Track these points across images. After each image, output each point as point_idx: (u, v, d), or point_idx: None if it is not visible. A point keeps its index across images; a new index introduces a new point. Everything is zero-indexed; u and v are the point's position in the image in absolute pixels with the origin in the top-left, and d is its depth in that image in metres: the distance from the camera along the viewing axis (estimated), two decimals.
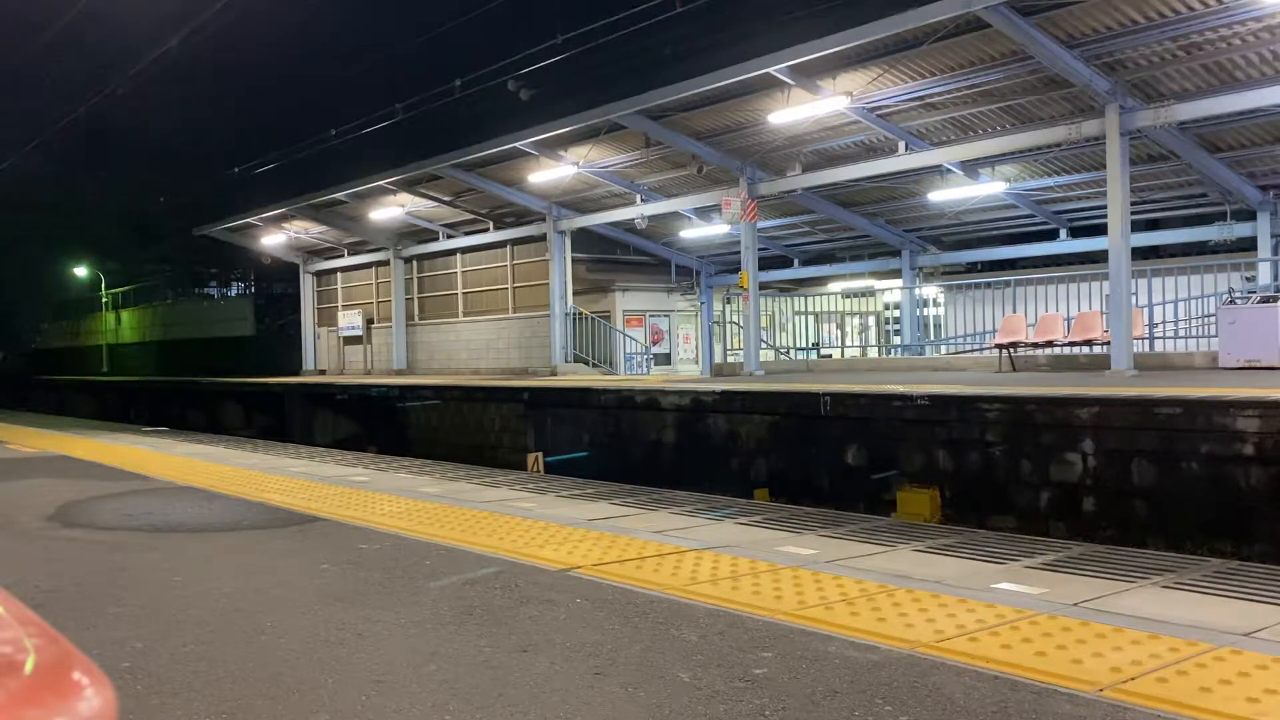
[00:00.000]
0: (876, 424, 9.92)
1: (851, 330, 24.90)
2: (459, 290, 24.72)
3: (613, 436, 13.08)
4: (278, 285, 40.44)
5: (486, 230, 23.55)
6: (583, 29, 17.96)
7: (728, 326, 20.80)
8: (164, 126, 36.79)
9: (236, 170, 29.18)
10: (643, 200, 20.04)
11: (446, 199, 22.83)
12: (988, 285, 19.89)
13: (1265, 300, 13.05)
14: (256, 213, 26.11)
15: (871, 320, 25.33)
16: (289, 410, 21.41)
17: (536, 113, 19.89)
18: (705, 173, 18.20)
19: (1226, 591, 3.74)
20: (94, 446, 10.93)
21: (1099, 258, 15.35)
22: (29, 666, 0.80)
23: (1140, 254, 15.71)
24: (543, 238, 21.82)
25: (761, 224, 18.96)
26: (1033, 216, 19.12)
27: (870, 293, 24.26)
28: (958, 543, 4.84)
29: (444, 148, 20.20)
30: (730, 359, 20.09)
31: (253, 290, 46.23)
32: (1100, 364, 13.81)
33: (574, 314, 21.68)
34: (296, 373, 28.86)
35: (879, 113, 15.16)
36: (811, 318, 23.74)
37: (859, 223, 20.39)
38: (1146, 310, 15.59)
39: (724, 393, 11.69)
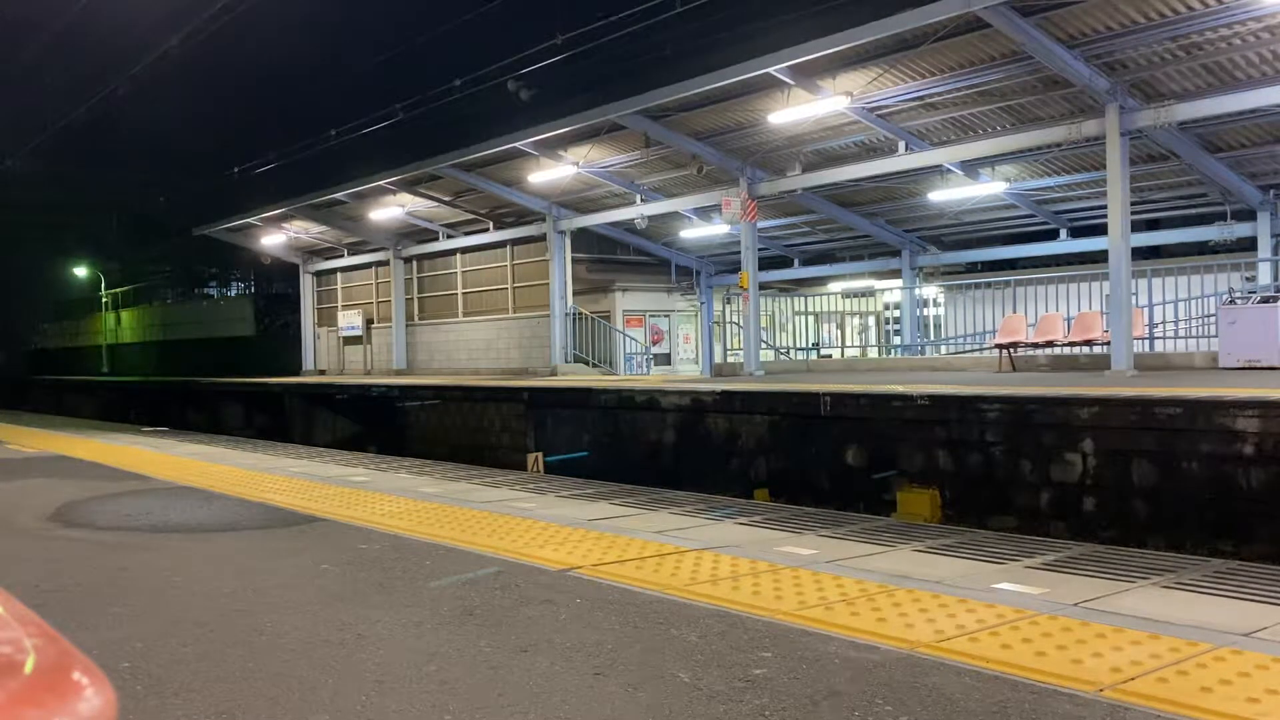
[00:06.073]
0: (876, 424, 9.92)
1: (851, 330, 24.90)
2: (459, 290, 24.72)
3: (613, 436, 13.07)
4: (278, 285, 40.42)
5: (486, 230, 23.55)
6: (583, 29, 17.95)
7: (728, 326, 20.80)
8: (164, 126, 36.72)
9: (236, 170, 29.16)
10: (643, 200, 20.03)
11: (446, 199, 22.83)
12: (988, 285, 19.89)
13: (1265, 300, 13.04)
14: (256, 213, 26.12)
15: (871, 320, 25.33)
16: (289, 410, 21.42)
17: (536, 113, 19.90)
18: (705, 173, 18.19)
19: (1226, 591, 3.73)
20: (94, 446, 10.92)
21: (1099, 258, 15.36)
22: (29, 666, 0.80)
23: (1140, 254, 15.71)
24: (543, 238, 21.82)
25: (761, 224, 18.96)
26: (1033, 216, 19.12)
27: (870, 293, 24.26)
28: (958, 543, 4.84)
29: (444, 148, 20.20)
30: (730, 359, 20.08)
31: (253, 290, 46.22)
32: (1100, 364, 13.81)
33: (574, 314, 21.68)
34: (296, 373, 28.86)
35: (879, 113, 15.16)
36: (811, 318, 23.74)
37: (859, 223, 20.39)
38: (1146, 310, 15.59)
39: (724, 393, 11.69)
